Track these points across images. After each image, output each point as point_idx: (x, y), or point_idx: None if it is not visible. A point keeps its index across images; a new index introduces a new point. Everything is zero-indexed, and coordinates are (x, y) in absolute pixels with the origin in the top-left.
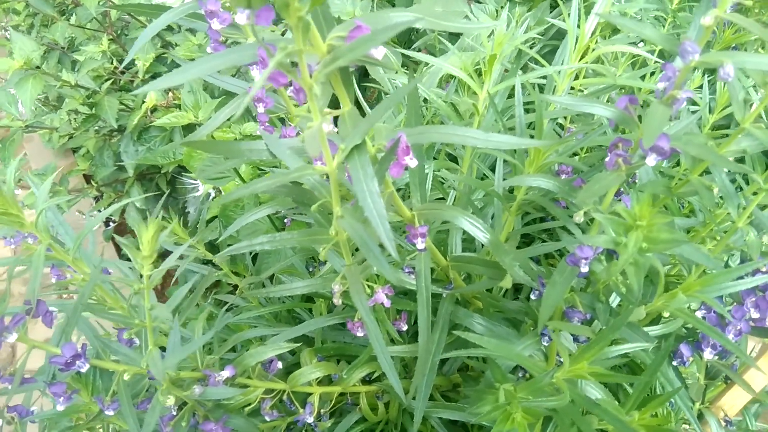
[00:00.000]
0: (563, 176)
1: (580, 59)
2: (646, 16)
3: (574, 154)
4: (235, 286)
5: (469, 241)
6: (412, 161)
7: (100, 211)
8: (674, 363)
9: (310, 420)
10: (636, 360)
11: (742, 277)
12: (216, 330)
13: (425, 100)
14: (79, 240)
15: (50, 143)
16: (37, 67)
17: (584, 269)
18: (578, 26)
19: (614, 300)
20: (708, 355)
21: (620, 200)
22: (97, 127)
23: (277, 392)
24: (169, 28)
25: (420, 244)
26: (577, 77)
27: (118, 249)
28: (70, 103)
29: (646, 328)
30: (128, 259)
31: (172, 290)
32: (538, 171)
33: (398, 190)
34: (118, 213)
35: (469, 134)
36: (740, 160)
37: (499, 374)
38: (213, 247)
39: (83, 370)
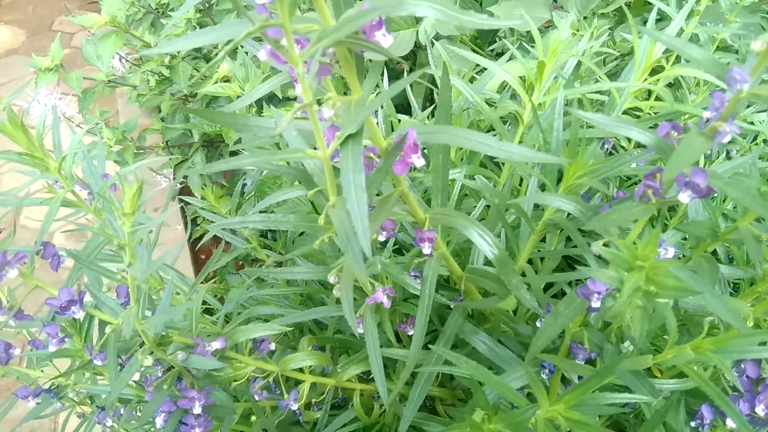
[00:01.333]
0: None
1: (648, 79)
2: (743, 44)
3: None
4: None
5: None
6: (419, 160)
7: (174, 172)
8: (693, 424)
9: (295, 407)
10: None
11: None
12: (237, 302)
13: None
14: (103, 189)
15: (130, 100)
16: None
17: (595, 304)
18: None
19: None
20: (731, 422)
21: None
22: (173, 91)
23: (269, 373)
24: None
25: (426, 248)
26: (648, 98)
27: (182, 210)
28: (149, 64)
29: (668, 380)
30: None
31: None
32: (569, 191)
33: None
34: (180, 175)
35: (483, 140)
36: None
37: (481, 399)
38: None
39: (77, 316)
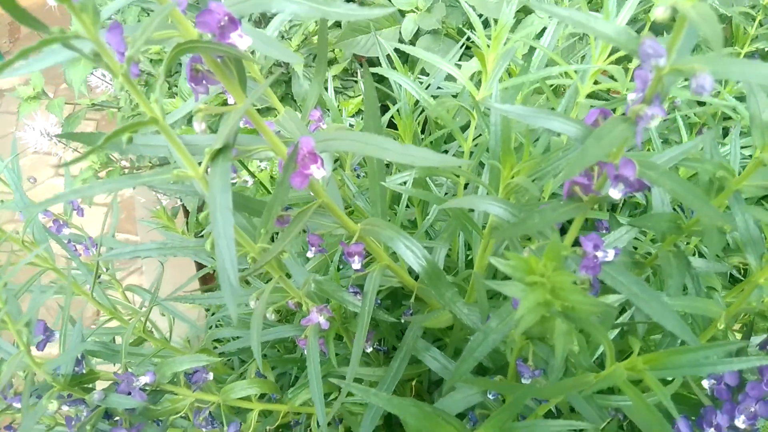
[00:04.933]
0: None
1: (608, 57)
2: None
3: None
4: None
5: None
6: (319, 171)
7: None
8: None
9: None
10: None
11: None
12: (207, 323)
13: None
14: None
15: (119, 121)
16: None
17: None
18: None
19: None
20: None
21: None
22: None
23: (213, 404)
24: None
25: (356, 263)
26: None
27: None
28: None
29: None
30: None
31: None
32: (510, 193)
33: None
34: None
35: (384, 145)
36: None
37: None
38: None
39: None
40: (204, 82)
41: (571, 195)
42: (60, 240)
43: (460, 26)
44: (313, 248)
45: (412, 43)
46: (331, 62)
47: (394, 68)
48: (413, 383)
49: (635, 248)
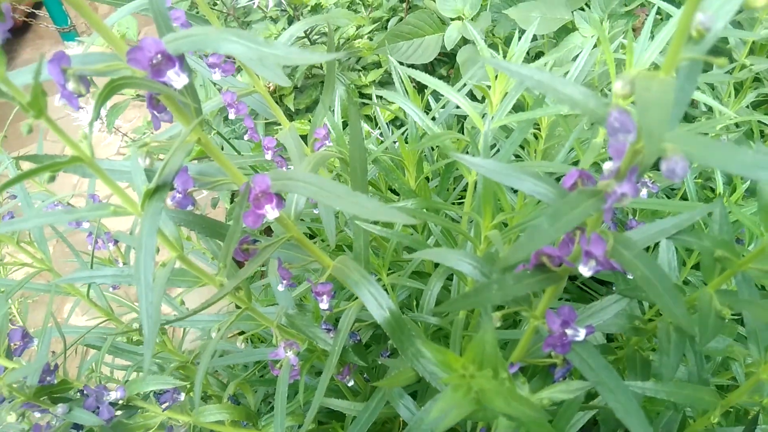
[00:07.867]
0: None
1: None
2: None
3: None
4: None
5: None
6: (273, 212)
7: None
8: None
9: None
10: None
11: None
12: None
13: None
14: None
15: None
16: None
17: None
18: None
19: None
20: None
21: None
22: None
23: (185, 423)
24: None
25: (324, 303)
26: None
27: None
28: None
29: None
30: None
31: None
32: (490, 245)
33: None
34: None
35: (337, 192)
36: None
37: None
38: None
39: None
40: (168, 109)
41: (539, 264)
42: (64, 238)
43: (509, 35)
44: (284, 281)
45: (455, 50)
46: (376, 65)
47: (406, 90)
48: (401, 419)
49: (643, 312)
